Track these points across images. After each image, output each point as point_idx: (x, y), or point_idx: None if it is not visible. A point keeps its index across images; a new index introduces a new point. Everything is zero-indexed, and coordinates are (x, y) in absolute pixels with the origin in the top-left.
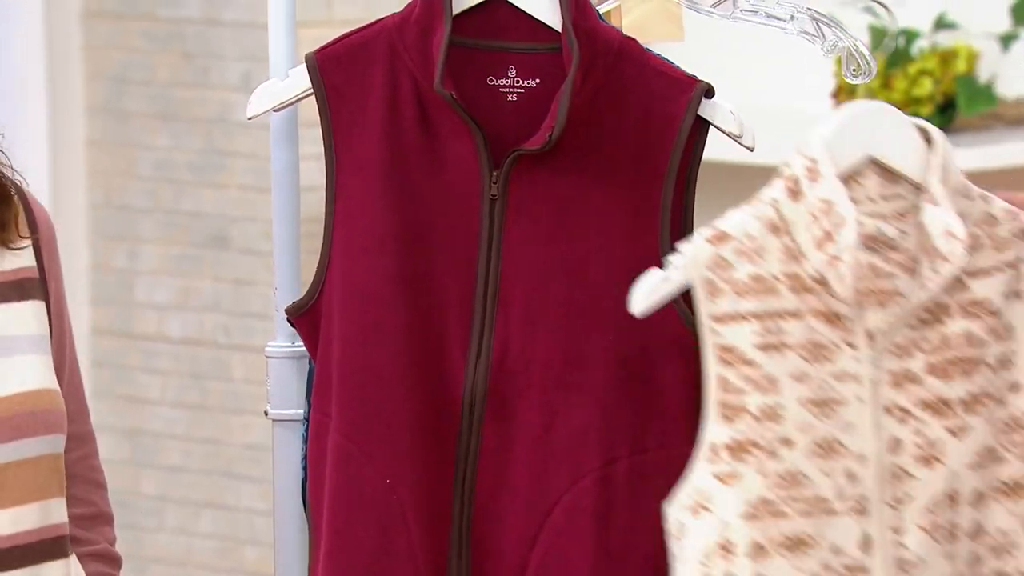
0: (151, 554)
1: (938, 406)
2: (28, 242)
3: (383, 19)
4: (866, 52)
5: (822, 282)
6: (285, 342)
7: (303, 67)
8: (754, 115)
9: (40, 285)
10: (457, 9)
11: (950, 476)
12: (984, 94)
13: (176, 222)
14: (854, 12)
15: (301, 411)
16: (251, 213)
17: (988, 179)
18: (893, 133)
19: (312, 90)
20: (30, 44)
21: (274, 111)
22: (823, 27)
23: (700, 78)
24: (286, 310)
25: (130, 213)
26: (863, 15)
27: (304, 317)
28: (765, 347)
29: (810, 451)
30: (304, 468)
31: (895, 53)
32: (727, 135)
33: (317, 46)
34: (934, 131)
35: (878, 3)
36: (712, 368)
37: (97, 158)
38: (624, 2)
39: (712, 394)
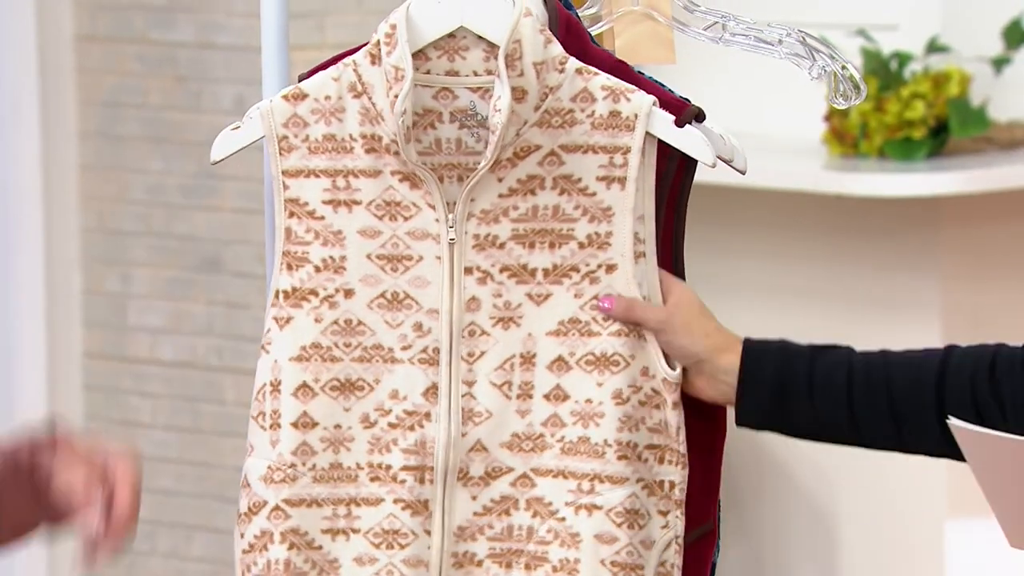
0: None
1: (519, 272)
2: None
3: (353, 53)
4: (856, 75)
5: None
6: None
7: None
8: (745, 139)
9: None
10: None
11: (526, 339)
12: (977, 117)
13: (168, 245)
14: (844, 35)
15: None
16: (244, 236)
17: (981, 202)
18: (485, 1)
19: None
20: (23, 67)
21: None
22: (813, 51)
23: (691, 101)
24: None
25: (122, 237)
26: (855, 39)
27: None
28: (333, 202)
29: (373, 302)
30: None
31: (888, 75)
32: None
33: (309, 69)
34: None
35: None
36: (280, 220)
37: (90, 182)
38: (615, 24)
39: (278, 244)
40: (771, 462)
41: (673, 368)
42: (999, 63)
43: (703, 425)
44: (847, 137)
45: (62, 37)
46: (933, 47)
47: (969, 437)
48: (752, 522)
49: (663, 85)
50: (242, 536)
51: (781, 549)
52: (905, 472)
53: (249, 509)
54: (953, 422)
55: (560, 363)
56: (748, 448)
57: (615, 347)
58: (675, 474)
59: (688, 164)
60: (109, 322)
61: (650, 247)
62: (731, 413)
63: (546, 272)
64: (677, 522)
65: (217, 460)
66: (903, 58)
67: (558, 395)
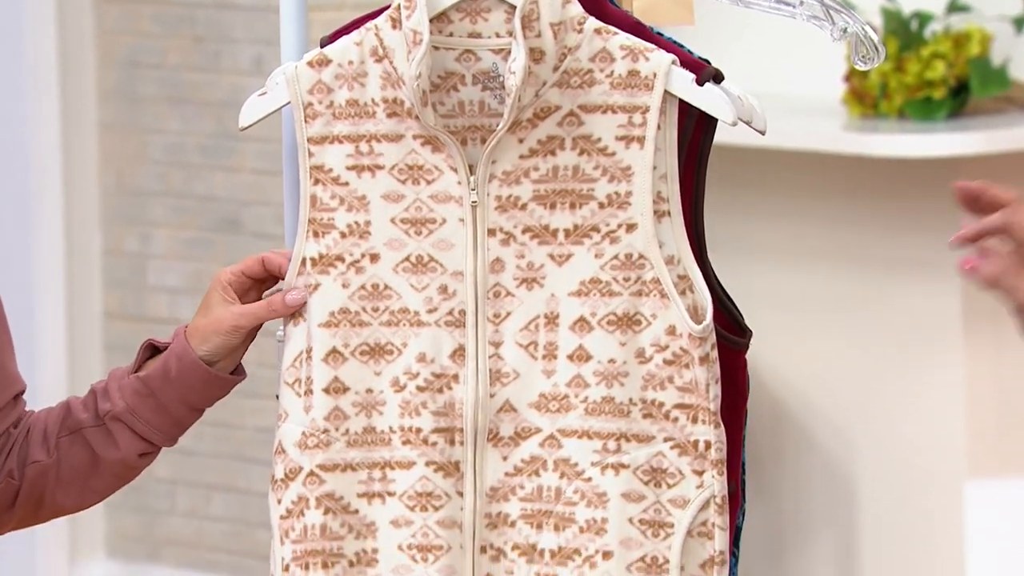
0: (163, 537)
1: (541, 232)
2: None
3: (374, 15)
4: (875, 37)
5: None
6: None
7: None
8: (765, 100)
9: None
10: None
11: (549, 300)
12: (997, 77)
13: (187, 206)
14: None
15: None
16: (262, 196)
17: (1001, 162)
18: None
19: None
20: (42, 29)
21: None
22: (832, 12)
23: (710, 62)
24: None
25: (142, 197)
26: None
27: None
28: (357, 168)
29: (399, 266)
30: None
31: (908, 35)
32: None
33: (328, 29)
34: None
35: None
36: (305, 187)
37: (109, 142)
38: None
39: (304, 212)
40: (790, 424)
41: (698, 323)
42: (1020, 22)
43: (725, 388)
44: (867, 97)
45: None
46: (954, 6)
47: None
48: (771, 484)
49: (682, 46)
50: (279, 502)
51: (800, 511)
52: (924, 433)
53: (285, 475)
54: None
55: (582, 323)
56: (767, 410)
57: (636, 307)
58: (709, 434)
59: (708, 124)
60: (128, 282)
61: (675, 206)
62: (753, 375)
63: (567, 232)
64: (714, 482)
65: (237, 420)
66: (923, 18)
67: (581, 355)
